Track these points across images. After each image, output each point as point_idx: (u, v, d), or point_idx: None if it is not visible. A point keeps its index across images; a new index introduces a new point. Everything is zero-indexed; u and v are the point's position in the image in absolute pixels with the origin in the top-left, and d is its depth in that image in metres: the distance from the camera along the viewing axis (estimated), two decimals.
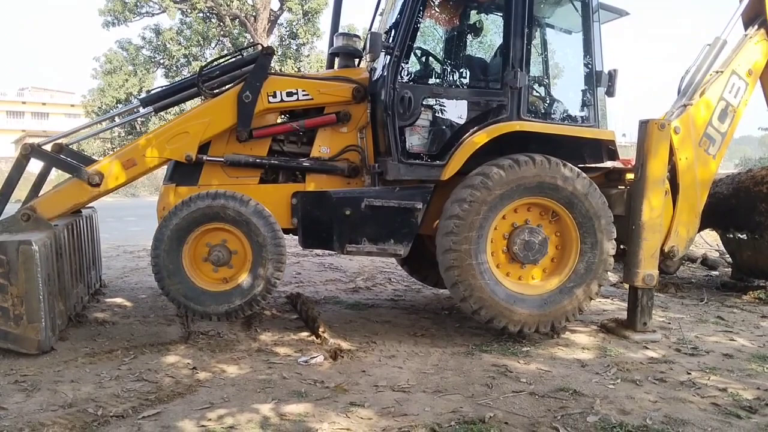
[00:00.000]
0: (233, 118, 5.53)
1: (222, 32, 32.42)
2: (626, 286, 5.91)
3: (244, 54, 5.86)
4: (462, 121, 5.58)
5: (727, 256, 8.52)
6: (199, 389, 4.05)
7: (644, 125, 5.48)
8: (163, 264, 5.21)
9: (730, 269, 8.50)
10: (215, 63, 5.93)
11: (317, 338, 5.21)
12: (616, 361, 4.84)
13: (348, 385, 4.19)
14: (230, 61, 5.88)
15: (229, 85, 5.68)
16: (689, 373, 4.59)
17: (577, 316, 5.48)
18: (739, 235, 7.63)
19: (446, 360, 4.81)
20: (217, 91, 5.69)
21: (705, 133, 6.22)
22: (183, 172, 5.68)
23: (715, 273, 9.04)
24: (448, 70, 6.20)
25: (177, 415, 3.63)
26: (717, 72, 6.47)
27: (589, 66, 5.68)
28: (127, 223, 15.23)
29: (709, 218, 6.79)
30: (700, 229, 6.84)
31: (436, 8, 6.22)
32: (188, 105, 7.37)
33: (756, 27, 6.68)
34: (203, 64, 6.52)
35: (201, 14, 31.98)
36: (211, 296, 5.29)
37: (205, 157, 5.61)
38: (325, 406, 3.81)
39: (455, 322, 6.02)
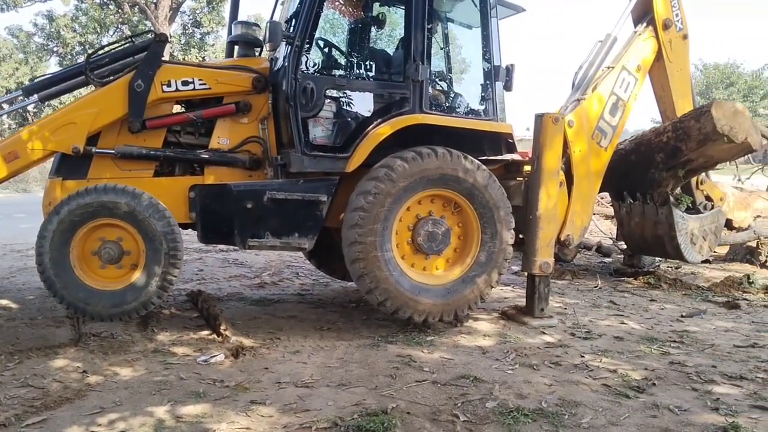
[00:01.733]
0: (124, 108, 5.25)
1: (120, 19, 30.87)
2: (525, 274, 6.11)
3: (136, 41, 5.60)
4: (366, 114, 5.56)
5: (621, 244, 8.96)
6: (89, 394, 3.83)
7: (540, 119, 5.66)
8: (71, 298, 4.97)
9: (622, 256, 8.97)
10: (104, 50, 5.63)
11: (218, 336, 5.05)
12: (515, 347, 4.98)
13: (249, 383, 4.08)
14: (121, 48, 5.60)
15: (121, 74, 5.40)
16: (583, 356, 4.79)
17: (479, 304, 5.61)
18: (630, 200, 7.68)
19: (352, 353, 4.79)
20: (107, 79, 5.40)
21: (597, 126, 6.51)
22: (70, 165, 5.34)
23: (608, 260, 9.53)
24: (352, 61, 6.16)
25: (64, 421, 3.42)
26: (608, 68, 6.79)
27: (488, 60, 5.80)
28: (17, 220, 14.25)
29: (609, 180, 6.76)
30: (600, 191, 7.05)
31: None
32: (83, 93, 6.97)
33: (644, 24, 7.07)
34: (91, 51, 6.17)
35: (98, 0, 30.37)
36: (132, 288, 5.08)
37: (94, 149, 5.30)
38: (225, 405, 3.69)
39: (362, 314, 6.02)
